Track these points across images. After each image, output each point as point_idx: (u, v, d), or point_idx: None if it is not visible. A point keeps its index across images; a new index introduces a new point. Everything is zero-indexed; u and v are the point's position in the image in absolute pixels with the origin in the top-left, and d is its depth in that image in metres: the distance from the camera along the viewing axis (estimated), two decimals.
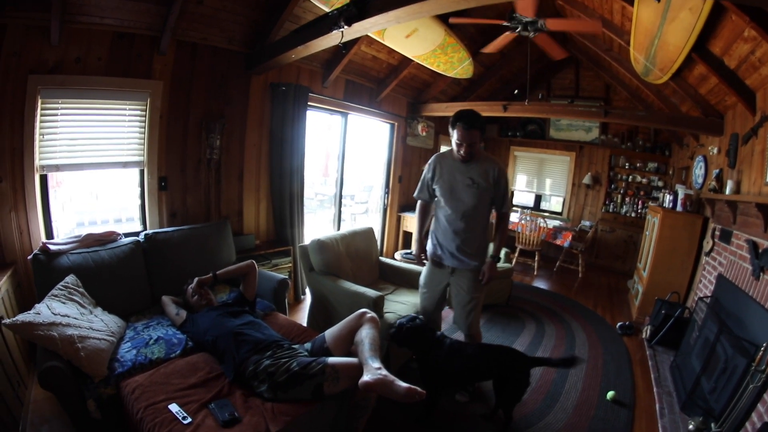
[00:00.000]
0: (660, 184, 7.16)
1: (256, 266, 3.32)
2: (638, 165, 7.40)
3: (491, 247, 3.05)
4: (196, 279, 3.16)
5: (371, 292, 3.38)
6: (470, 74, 5.43)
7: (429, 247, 3.17)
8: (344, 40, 3.15)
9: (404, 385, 2.05)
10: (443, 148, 7.92)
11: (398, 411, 2.98)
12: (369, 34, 4.00)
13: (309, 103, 4.77)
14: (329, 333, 2.63)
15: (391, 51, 5.11)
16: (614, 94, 7.46)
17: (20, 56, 2.94)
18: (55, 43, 3.04)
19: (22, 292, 3.12)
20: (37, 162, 3.18)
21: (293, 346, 2.61)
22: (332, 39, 3.22)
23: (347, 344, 2.52)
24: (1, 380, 2.40)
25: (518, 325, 4.69)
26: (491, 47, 4.66)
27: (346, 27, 2.92)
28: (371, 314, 2.59)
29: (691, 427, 2.66)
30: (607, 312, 5.38)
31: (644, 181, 7.35)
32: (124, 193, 4.06)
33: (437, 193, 3.01)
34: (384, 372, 2.13)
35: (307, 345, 2.66)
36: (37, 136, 3.13)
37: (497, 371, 2.80)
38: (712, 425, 2.51)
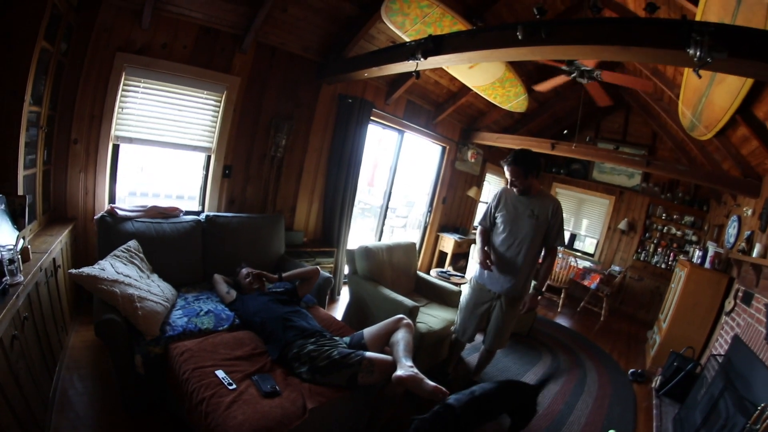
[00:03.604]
0: (694, 238, 7.15)
1: (320, 273, 3.60)
2: (675, 217, 7.43)
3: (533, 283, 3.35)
4: (257, 271, 3.44)
5: (408, 302, 3.61)
6: (524, 109, 5.62)
7: (476, 271, 3.46)
8: (418, 69, 3.36)
9: (432, 384, 2.30)
10: (488, 176, 8.18)
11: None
12: None
13: (371, 118, 5.06)
14: (368, 331, 2.87)
15: (452, 78, 5.29)
16: (660, 143, 7.54)
17: (111, 33, 3.24)
18: (146, 27, 3.35)
19: (77, 246, 3.46)
20: (113, 132, 3.49)
21: (334, 338, 2.86)
22: (407, 66, 3.44)
23: (383, 344, 2.77)
24: (49, 323, 2.54)
25: (535, 356, 4.84)
26: (543, 86, 4.83)
27: (422, 59, 3.16)
28: (408, 320, 2.83)
29: None
30: (622, 357, 5.40)
31: (679, 233, 7.35)
32: (187, 174, 4.33)
33: (498, 221, 3.32)
34: (415, 370, 2.39)
35: (346, 339, 2.90)
36: (116, 109, 3.42)
37: (511, 407, 2.85)
38: None
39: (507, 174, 3.16)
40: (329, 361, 2.50)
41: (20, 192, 2.56)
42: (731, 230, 5.14)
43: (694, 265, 5.15)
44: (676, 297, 5.16)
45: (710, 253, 5.11)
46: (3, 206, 2.22)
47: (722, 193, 6.14)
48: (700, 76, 2.05)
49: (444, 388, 2.31)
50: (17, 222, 2.35)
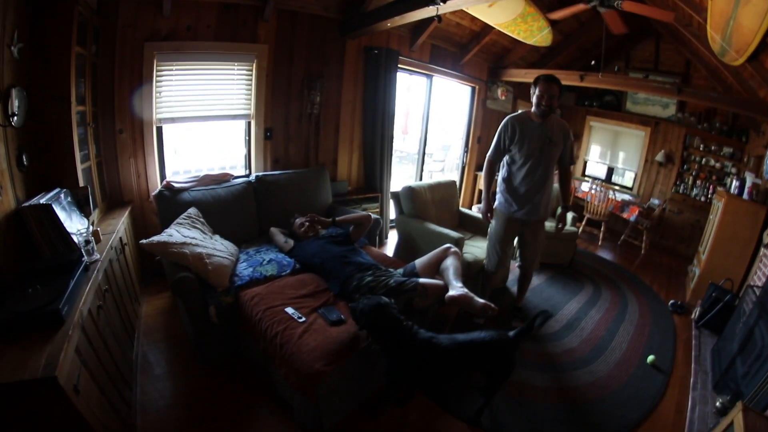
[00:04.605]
0: (734, 170, 6.77)
1: (372, 220, 3.80)
2: (713, 148, 7.06)
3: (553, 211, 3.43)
4: (310, 215, 3.70)
5: (454, 233, 3.86)
6: (549, 42, 5.53)
7: (500, 204, 3.56)
8: (439, 13, 3.43)
9: (481, 301, 2.53)
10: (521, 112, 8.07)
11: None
12: None
13: (398, 66, 5.13)
14: (419, 261, 3.11)
15: (473, 18, 5.24)
16: (694, 71, 7.12)
17: (134, 27, 3.38)
18: (167, 14, 3.46)
19: (136, 226, 3.73)
20: (155, 115, 3.67)
21: (389, 269, 3.08)
22: (427, 12, 3.51)
23: (433, 272, 3.00)
24: (124, 295, 2.83)
25: (577, 286, 5.00)
26: (558, 14, 4.64)
27: (441, 3, 3.23)
28: (455, 248, 3.06)
29: (718, 404, 2.84)
30: (662, 290, 5.39)
31: (718, 165, 7.00)
32: (229, 143, 4.55)
33: (515, 151, 3.40)
34: (466, 290, 2.62)
35: (399, 270, 3.12)
36: (154, 94, 3.60)
37: (482, 365, 2.46)
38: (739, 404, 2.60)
39: (544, 92, 3.22)
40: (387, 289, 2.72)
41: (81, 184, 2.84)
42: None
43: (732, 196, 5.01)
44: (714, 228, 5.04)
45: (748, 184, 4.94)
46: (69, 198, 2.53)
47: (761, 122, 5.86)
48: None
49: (492, 305, 2.52)
50: (83, 210, 2.68)
